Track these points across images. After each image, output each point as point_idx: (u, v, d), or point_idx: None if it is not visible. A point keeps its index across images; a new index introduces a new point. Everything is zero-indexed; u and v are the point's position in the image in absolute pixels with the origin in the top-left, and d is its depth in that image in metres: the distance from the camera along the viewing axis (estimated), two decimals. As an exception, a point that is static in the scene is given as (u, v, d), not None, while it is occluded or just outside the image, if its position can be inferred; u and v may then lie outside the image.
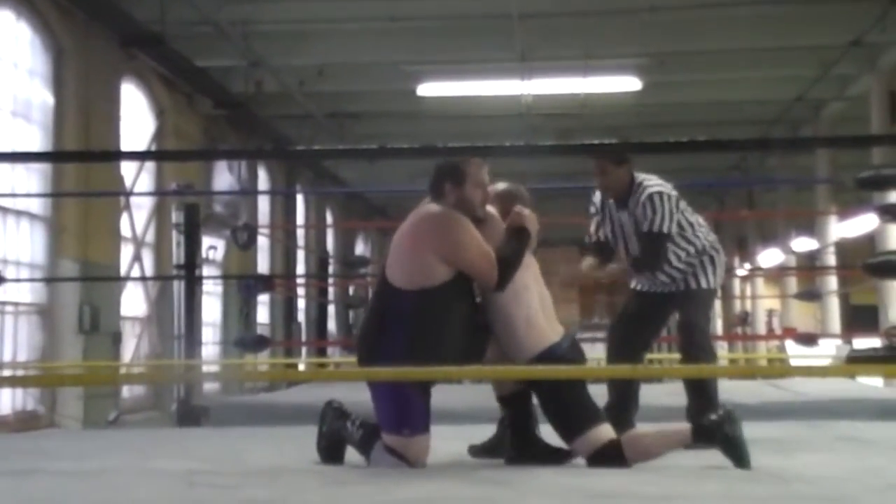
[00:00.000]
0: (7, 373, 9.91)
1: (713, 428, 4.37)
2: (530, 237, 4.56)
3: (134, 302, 12.73)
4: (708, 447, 4.33)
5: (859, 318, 17.92)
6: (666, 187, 5.38)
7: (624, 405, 5.27)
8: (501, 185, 4.92)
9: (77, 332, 10.53)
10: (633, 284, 5.67)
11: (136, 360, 12.40)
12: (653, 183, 5.39)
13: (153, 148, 13.51)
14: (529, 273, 4.61)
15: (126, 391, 11.99)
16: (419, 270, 4.37)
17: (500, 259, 4.39)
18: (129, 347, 12.34)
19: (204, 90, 13.83)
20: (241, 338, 13.47)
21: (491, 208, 4.67)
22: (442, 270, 4.35)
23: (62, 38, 10.79)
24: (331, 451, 4.60)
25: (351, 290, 22.18)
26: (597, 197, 5.66)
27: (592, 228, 5.74)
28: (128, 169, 12.39)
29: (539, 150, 9.48)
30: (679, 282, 5.45)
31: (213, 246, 13.87)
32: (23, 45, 10.40)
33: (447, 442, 4.60)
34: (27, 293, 10.28)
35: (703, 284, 5.45)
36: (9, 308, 9.87)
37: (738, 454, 4.26)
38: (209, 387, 13.36)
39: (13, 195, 9.76)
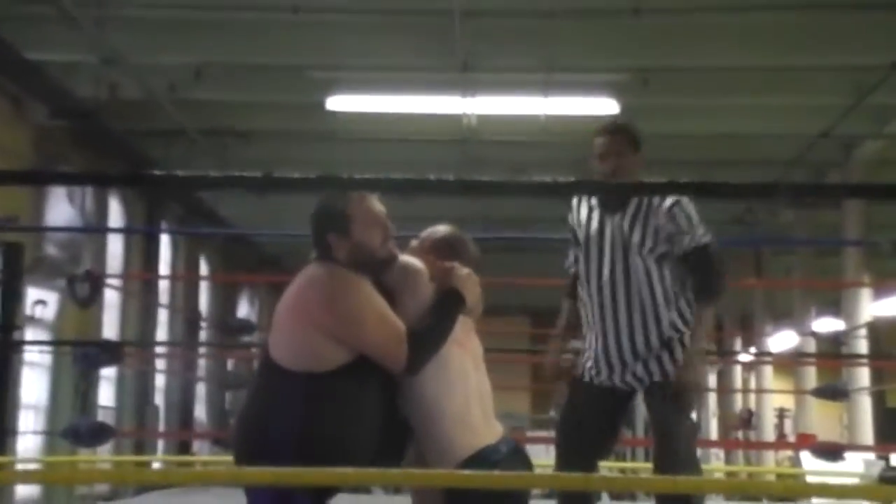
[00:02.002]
0: None
1: None
2: (463, 304, 4.54)
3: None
4: None
5: (897, 424, 18.14)
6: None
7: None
8: (441, 231, 4.91)
9: None
10: (583, 368, 5.56)
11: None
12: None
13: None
14: (468, 356, 4.59)
15: None
16: (307, 351, 4.35)
17: (415, 332, 4.36)
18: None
19: (38, 93, 13.73)
20: (75, 425, 13.27)
21: (415, 260, 4.65)
22: (336, 351, 4.33)
23: None
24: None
25: (230, 365, 22.05)
26: (573, 216, 5.65)
27: (572, 258, 5.70)
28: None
29: (481, 186, 9.47)
30: (652, 366, 5.35)
31: (41, 300, 13.70)
32: None
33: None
34: None
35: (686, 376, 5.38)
36: None
37: None
38: (25, 493, 13.13)
39: None
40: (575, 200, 5.64)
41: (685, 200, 5.29)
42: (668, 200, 5.27)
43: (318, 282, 4.39)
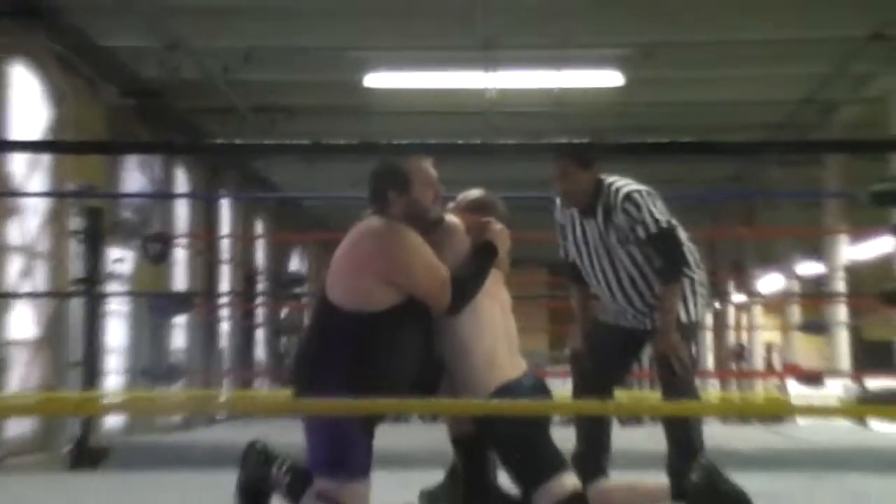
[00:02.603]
0: None
1: (697, 490, 4.40)
2: (496, 255, 4.58)
3: (23, 323, 12.61)
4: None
5: (872, 355, 18.09)
6: (641, 186, 5.41)
7: (593, 451, 5.26)
8: (474, 193, 4.97)
9: (-47, 356, 10.48)
10: (600, 315, 5.69)
11: (25, 391, 12.28)
12: (624, 182, 5.41)
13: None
14: (497, 304, 4.64)
15: (10, 429, 11.86)
16: (361, 293, 4.39)
17: (457, 278, 4.41)
18: (16, 377, 12.22)
19: (109, 75, 13.77)
20: (151, 367, 13.43)
21: (454, 218, 4.69)
22: (387, 293, 4.37)
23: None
24: (252, 499, 4.60)
25: (283, 313, 22.12)
26: (556, 208, 5.69)
27: (563, 251, 5.75)
28: (18, 165, 12.30)
29: (504, 149, 9.50)
30: (652, 315, 5.42)
31: (119, 258, 13.77)
32: None
33: (391, 491, 4.60)
34: None
35: (682, 318, 5.39)
36: None
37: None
38: (111, 424, 13.25)
39: None
40: (558, 201, 5.66)
41: (635, 195, 5.29)
42: (621, 197, 5.29)
43: (376, 232, 4.44)
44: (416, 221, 4.47)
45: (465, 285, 4.44)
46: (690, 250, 5.48)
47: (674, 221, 5.37)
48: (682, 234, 5.43)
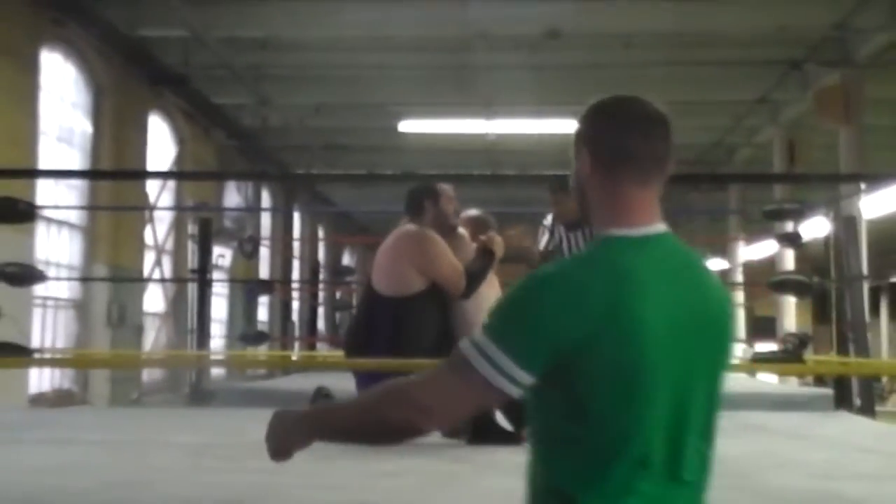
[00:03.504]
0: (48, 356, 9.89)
1: None
2: (495, 259, 4.62)
3: (154, 300, 12.65)
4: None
5: (761, 326, 18.06)
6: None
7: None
8: (473, 212, 4.99)
9: (106, 324, 10.52)
10: None
11: (156, 349, 12.32)
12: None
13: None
14: (492, 291, 4.65)
15: (146, 375, 11.91)
16: (399, 280, 4.40)
17: (468, 272, 4.44)
18: (150, 339, 12.27)
19: (219, 123, 13.80)
20: (245, 333, 13.43)
21: (462, 230, 4.72)
22: (418, 281, 4.39)
23: (101, 77, 10.79)
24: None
25: (338, 295, 22.08)
26: (548, 221, 5.66)
27: (542, 243, 5.71)
28: (152, 188, 12.37)
29: (499, 178, 9.58)
30: None
31: (222, 254, 13.82)
32: (68, 82, 10.41)
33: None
34: (66, 290, 10.27)
35: None
36: (50, 302, 9.85)
37: None
38: (216, 373, 13.29)
39: (57, 207, 9.80)
40: (549, 216, 5.56)
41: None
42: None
43: (413, 234, 4.46)
44: (440, 229, 4.50)
45: (474, 278, 4.46)
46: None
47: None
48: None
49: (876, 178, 9.97)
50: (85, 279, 10.47)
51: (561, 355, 1.45)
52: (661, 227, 1.59)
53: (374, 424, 1.56)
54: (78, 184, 10.53)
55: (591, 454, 1.47)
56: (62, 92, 10.26)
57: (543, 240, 5.71)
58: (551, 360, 1.45)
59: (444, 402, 1.52)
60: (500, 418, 4.62)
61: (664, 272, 1.51)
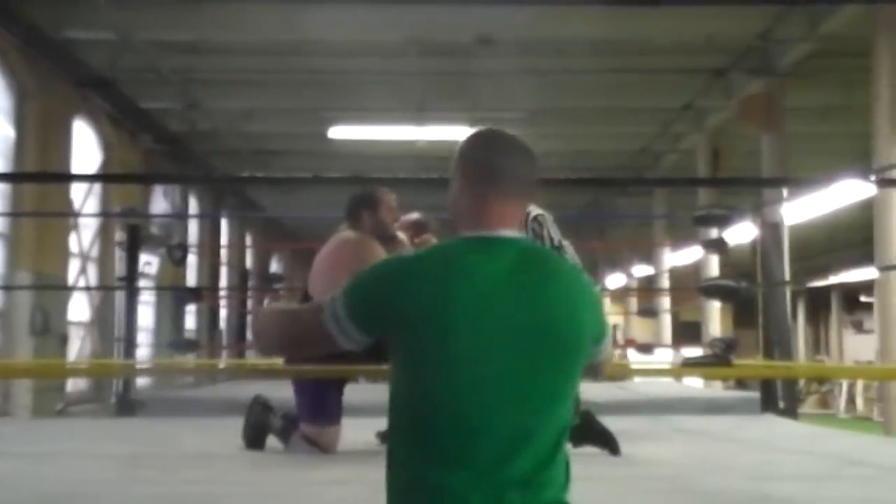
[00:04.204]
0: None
1: (579, 430, 4.41)
2: None
3: (79, 308, 12.38)
4: (578, 446, 4.35)
5: (686, 331, 18.36)
6: (542, 210, 5.34)
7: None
8: (414, 215, 4.94)
9: (29, 333, 10.26)
10: None
11: (81, 358, 12.05)
12: (532, 207, 5.34)
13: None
14: None
15: (70, 385, 11.64)
16: (337, 287, 4.35)
17: None
18: (75, 348, 11.99)
19: (146, 128, 13.56)
20: (173, 341, 13.21)
21: (402, 234, 4.68)
22: None
23: (24, 80, 10.53)
24: (254, 439, 4.54)
25: (266, 302, 21.89)
26: None
27: None
28: (77, 193, 12.10)
29: (429, 182, 9.50)
30: None
31: (149, 262, 13.56)
32: (-11, 85, 10.15)
33: (355, 431, 4.57)
34: (-15, 299, 10.00)
35: None
36: (-31, 312, 9.58)
37: (612, 444, 4.30)
38: (143, 382, 13.04)
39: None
40: None
41: (540, 217, 4.96)
42: (530, 218, 4.94)
43: (351, 242, 4.39)
44: (379, 236, 4.44)
45: None
46: (573, 256, 5.41)
47: (564, 241, 5.30)
48: (570, 248, 5.37)
49: (800, 183, 10.23)
50: (7, 287, 10.20)
51: (388, 326, 1.75)
52: (510, 233, 1.81)
53: (264, 336, 2.05)
54: (0, 189, 10.26)
55: (404, 419, 1.72)
56: (-18, 95, 10.00)
57: None
58: (380, 328, 1.78)
59: (298, 333, 1.93)
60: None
61: (496, 270, 1.71)
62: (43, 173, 10.54)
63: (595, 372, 2.01)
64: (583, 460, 4.11)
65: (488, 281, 1.70)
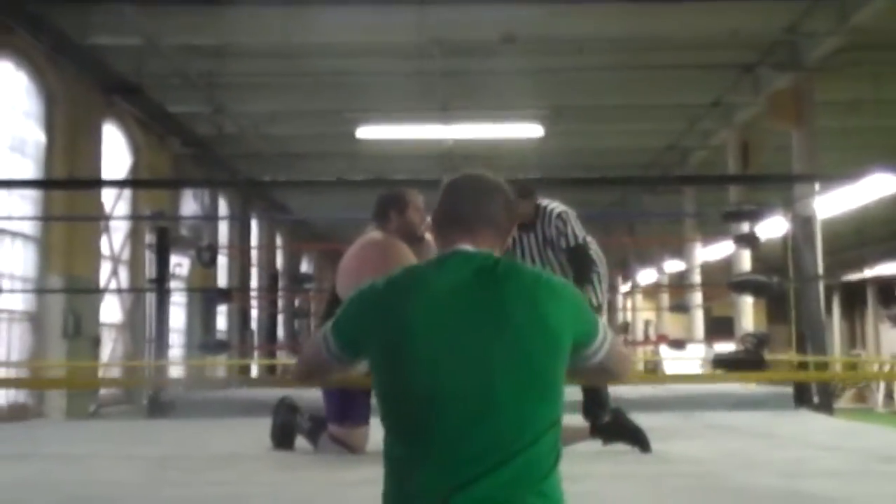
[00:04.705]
0: (1, 371, 9.70)
1: (610, 427, 4.38)
2: None
3: (111, 311, 12.48)
4: (608, 443, 4.32)
5: (718, 327, 18.23)
6: (567, 207, 5.31)
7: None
8: None
9: (62, 336, 10.35)
10: None
11: (113, 360, 12.14)
12: (556, 204, 5.30)
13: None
14: None
15: (103, 389, 11.75)
16: None
17: None
18: (107, 350, 12.09)
19: (174, 132, 13.67)
20: (204, 342, 13.31)
21: (429, 235, 4.64)
22: None
23: (53, 86, 10.63)
24: (283, 440, 4.54)
25: (296, 303, 22.00)
26: None
27: None
28: (107, 197, 12.22)
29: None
30: None
31: (179, 263, 13.64)
32: (20, 91, 10.26)
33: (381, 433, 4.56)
34: (20, 302, 10.10)
35: (593, 301, 5.32)
36: (4, 315, 9.68)
37: (642, 441, 4.27)
38: (176, 383, 13.12)
39: (9, 218, 9.64)
40: None
41: (564, 214, 5.08)
42: (554, 215, 5.08)
43: (377, 242, 4.35)
44: (406, 237, 4.41)
45: None
46: (596, 251, 5.37)
47: (588, 237, 5.27)
48: (593, 244, 5.34)
49: (830, 179, 10.12)
50: (39, 291, 10.30)
51: (359, 339, 1.99)
52: (470, 248, 1.99)
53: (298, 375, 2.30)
54: (31, 194, 10.37)
55: (382, 414, 1.91)
56: (14, 101, 10.11)
57: None
58: (357, 344, 2.00)
59: (310, 362, 2.20)
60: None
61: (453, 279, 1.92)
62: (76, 180, 10.65)
63: (606, 373, 2.14)
64: (613, 457, 4.09)
65: (443, 289, 1.90)
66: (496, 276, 1.92)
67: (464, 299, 1.89)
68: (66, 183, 9.79)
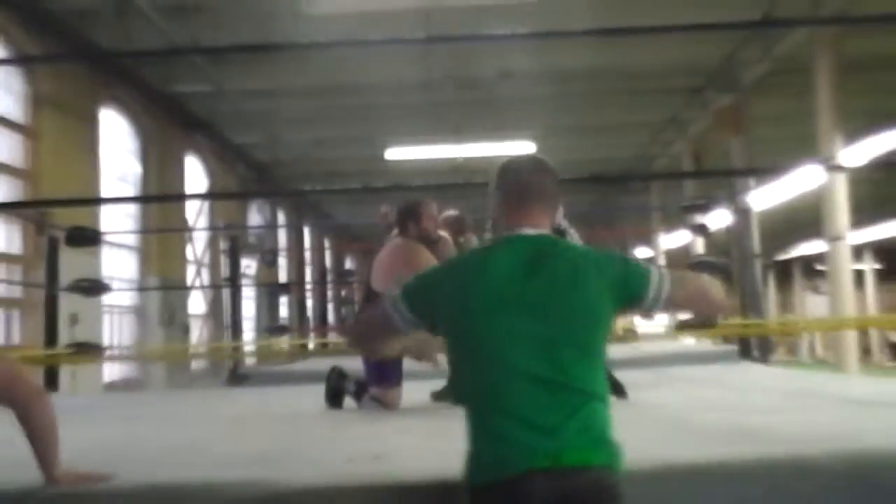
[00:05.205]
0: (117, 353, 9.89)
1: None
2: None
3: (197, 304, 12.60)
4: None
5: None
6: None
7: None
8: (451, 213, 4.93)
9: (159, 325, 10.49)
10: None
11: (200, 343, 12.27)
12: None
13: (206, 201, 13.42)
14: None
15: (193, 364, 11.86)
16: (392, 284, 4.38)
17: None
18: (195, 335, 12.22)
19: (240, 159, 13.78)
20: (269, 326, 13.40)
21: (443, 232, 4.68)
22: None
23: (146, 126, 10.78)
24: (334, 400, 4.60)
25: (342, 293, 22.09)
26: None
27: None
28: (191, 213, 12.34)
29: (466, 186, 9.57)
30: None
31: (248, 265, 13.79)
32: (121, 132, 10.40)
33: (414, 393, 4.61)
34: (127, 299, 10.25)
35: None
36: (115, 309, 9.85)
37: (620, 391, 4.31)
38: (249, 359, 13.25)
39: (116, 232, 9.81)
40: None
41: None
42: None
43: (401, 247, 4.40)
44: (423, 241, 4.46)
45: None
46: (574, 237, 5.37)
47: (571, 228, 5.27)
48: (574, 234, 5.33)
49: (762, 172, 10.14)
50: (141, 289, 10.44)
51: (427, 310, 1.87)
52: (532, 231, 1.86)
53: (351, 338, 2.26)
54: (133, 213, 10.53)
55: (455, 378, 1.85)
56: (117, 141, 10.25)
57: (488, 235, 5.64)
58: (424, 311, 1.88)
59: (371, 325, 2.09)
60: None
61: (511, 259, 1.80)
62: (164, 195, 10.88)
63: (692, 302, 2.03)
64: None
65: (503, 269, 1.78)
66: (549, 255, 1.81)
67: (519, 278, 1.77)
68: (157, 197, 9.95)
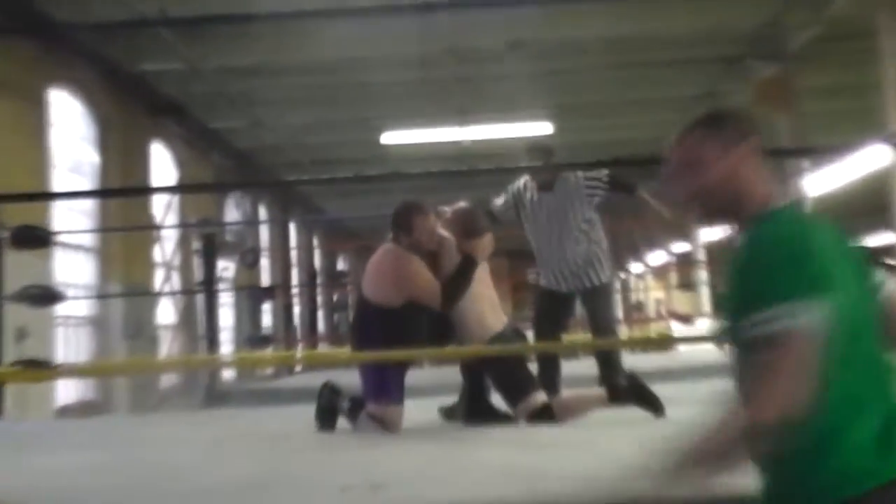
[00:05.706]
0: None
1: (626, 390, 4.44)
2: (476, 264, 4.50)
3: (166, 313, 12.61)
4: (625, 405, 4.38)
5: (723, 301, 18.13)
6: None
7: (550, 376, 5.24)
8: (461, 205, 4.91)
9: (123, 338, 10.48)
10: (542, 283, 5.48)
11: (169, 356, 12.28)
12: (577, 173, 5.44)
13: (176, 195, 13.43)
14: (482, 283, 4.63)
15: (163, 382, 11.87)
16: (383, 296, 4.42)
17: (447, 286, 4.38)
18: (164, 348, 12.22)
19: (216, 146, 13.79)
20: (250, 337, 13.42)
21: (444, 232, 4.66)
22: (399, 297, 4.39)
23: (105, 111, 10.76)
24: (326, 420, 4.61)
25: (334, 297, 22.12)
26: (518, 184, 5.55)
27: (500, 203, 5.62)
28: (158, 209, 12.33)
29: (472, 173, 9.59)
30: (584, 279, 5.32)
31: (225, 267, 13.79)
32: (75, 117, 10.39)
33: (420, 412, 4.62)
34: (84, 308, 10.23)
35: (604, 279, 5.35)
36: (71, 320, 9.81)
37: (654, 406, 4.31)
38: (228, 375, 13.25)
39: (71, 231, 9.78)
40: (521, 181, 5.56)
41: (590, 172, 5.37)
42: (582, 176, 5.33)
43: (392, 257, 4.46)
44: (417, 252, 4.47)
45: (453, 291, 4.38)
46: (598, 232, 5.49)
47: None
48: (598, 223, 5.54)
49: (817, 152, 10.15)
50: (101, 297, 10.44)
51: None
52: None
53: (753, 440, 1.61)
54: (89, 210, 10.50)
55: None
56: (70, 126, 10.24)
57: (499, 200, 5.67)
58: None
59: (794, 378, 1.55)
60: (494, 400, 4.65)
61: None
62: (127, 188, 10.80)
63: None
64: (626, 424, 4.13)
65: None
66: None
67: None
68: (119, 191, 9.92)
